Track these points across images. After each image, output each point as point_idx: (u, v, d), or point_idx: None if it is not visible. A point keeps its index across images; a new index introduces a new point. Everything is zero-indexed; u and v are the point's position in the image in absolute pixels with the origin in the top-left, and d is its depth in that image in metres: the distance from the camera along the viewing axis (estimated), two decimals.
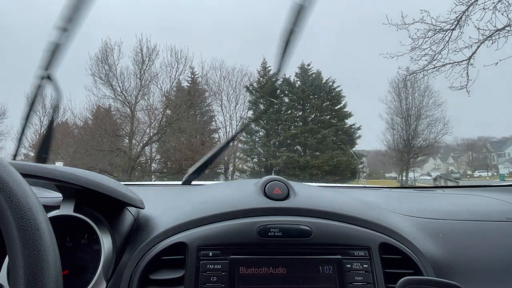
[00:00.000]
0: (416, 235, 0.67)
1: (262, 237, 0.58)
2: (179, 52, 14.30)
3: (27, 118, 0.99)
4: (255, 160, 18.02)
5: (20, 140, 1.04)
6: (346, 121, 17.76)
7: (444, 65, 5.67)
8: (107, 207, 0.62)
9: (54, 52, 0.88)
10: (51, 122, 1.07)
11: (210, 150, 1.07)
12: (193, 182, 1.05)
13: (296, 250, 0.59)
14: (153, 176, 14.12)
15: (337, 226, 0.62)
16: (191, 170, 1.04)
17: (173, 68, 14.27)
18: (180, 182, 1.08)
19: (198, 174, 1.03)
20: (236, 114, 16.96)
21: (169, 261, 0.57)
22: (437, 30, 5.58)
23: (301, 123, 17.88)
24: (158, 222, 0.64)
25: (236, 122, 16.92)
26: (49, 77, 0.89)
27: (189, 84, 16.46)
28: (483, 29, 4.94)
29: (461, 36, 5.37)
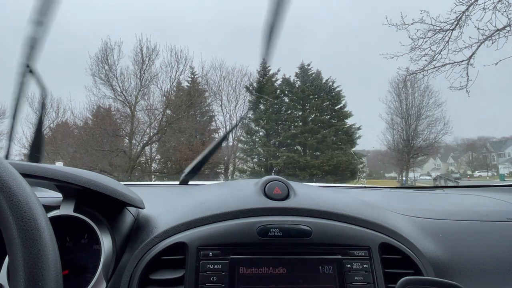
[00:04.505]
0: (416, 235, 0.67)
1: (262, 237, 0.58)
2: (179, 52, 14.30)
3: (14, 116, 0.98)
4: (255, 160, 18.02)
5: (10, 139, 1.04)
6: (346, 121, 17.77)
7: (444, 65, 5.68)
8: (107, 207, 0.62)
9: (33, 46, 0.86)
10: (40, 119, 1.06)
11: (204, 149, 1.08)
12: (192, 182, 1.05)
13: (296, 250, 0.58)
14: (153, 176, 14.12)
15: (337, 226, 0.62)
16: (187, 169, 1.04)
17: (173, 68, 14.27)
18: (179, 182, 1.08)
19: (195, 173, 1.04)
20: (236, 114, 16.94)
21: (169, 261, 0.57)
22: (437, 30, 5.59)
23: (301, 123, 17.88)
24: (158, 222, 0.64)
25: (236, 122, 16.92)
26: (31, 71, 0.87)
27: (189, 84, 16.46)
28: (483, 29, 4.94)
29: (461, 36, 5.38)
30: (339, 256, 0.58)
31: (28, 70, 0.87)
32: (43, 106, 1.09)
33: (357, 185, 1.47)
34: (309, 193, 0.73)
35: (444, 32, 5.53)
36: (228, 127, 16.43)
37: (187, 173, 1.04)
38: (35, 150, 0.96)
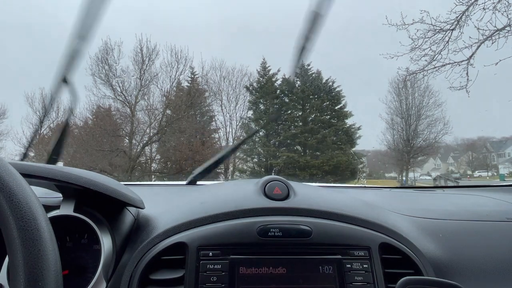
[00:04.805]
0: (416, 235, 0.67)
1: (262, 237, 0.58)
2: (179, 52, 14.30)
3: (41, 121, 1.00)
4: (255, 160, 18.02)
5: (31, 142, 1.06)
6: (346, 121, 17.78)
7: (444, 65, 5.68)
8: (107, 207, 0.62)
9: (73, 57, 0.89)
10: (66, 125, 1.07)
11: (218, 153, 1.08)
12: (199, 183, 1.05)
13: (296, 250, 0.59)
14: (153, 176, 14.12)
15: (337, 226, 0.62)
16: (197, 170, 1.03)
17: (173, 68, 14.28)
18: (180, 182, 1.08)
19: (205, 175, 1.03)
20: (236, 114, 16.95)
21: (169, 261, 0.57)
22: (437, 30, 5.58)
23: (301, 123, 17.88)
24: (158, 222, 0.64)
25: (236, 122, 16.93)
26: (65, 81, 0.90)
27: (189, 84, 16.45)
28: (483, 29, 4.94)
29: (461, 36, 5.37)
30: (339, 256, 0.58)
31: (64, 79, 0.90)
32: (70, 113, 1.19)
33: (357, 185, 1.47)
34: (309, 193, 0.73)
35: (444, 32, 5.53)
36: (228, 127, 16.45)
37: (197, 174, 1.03)
38: (55, 154, 0.97)
